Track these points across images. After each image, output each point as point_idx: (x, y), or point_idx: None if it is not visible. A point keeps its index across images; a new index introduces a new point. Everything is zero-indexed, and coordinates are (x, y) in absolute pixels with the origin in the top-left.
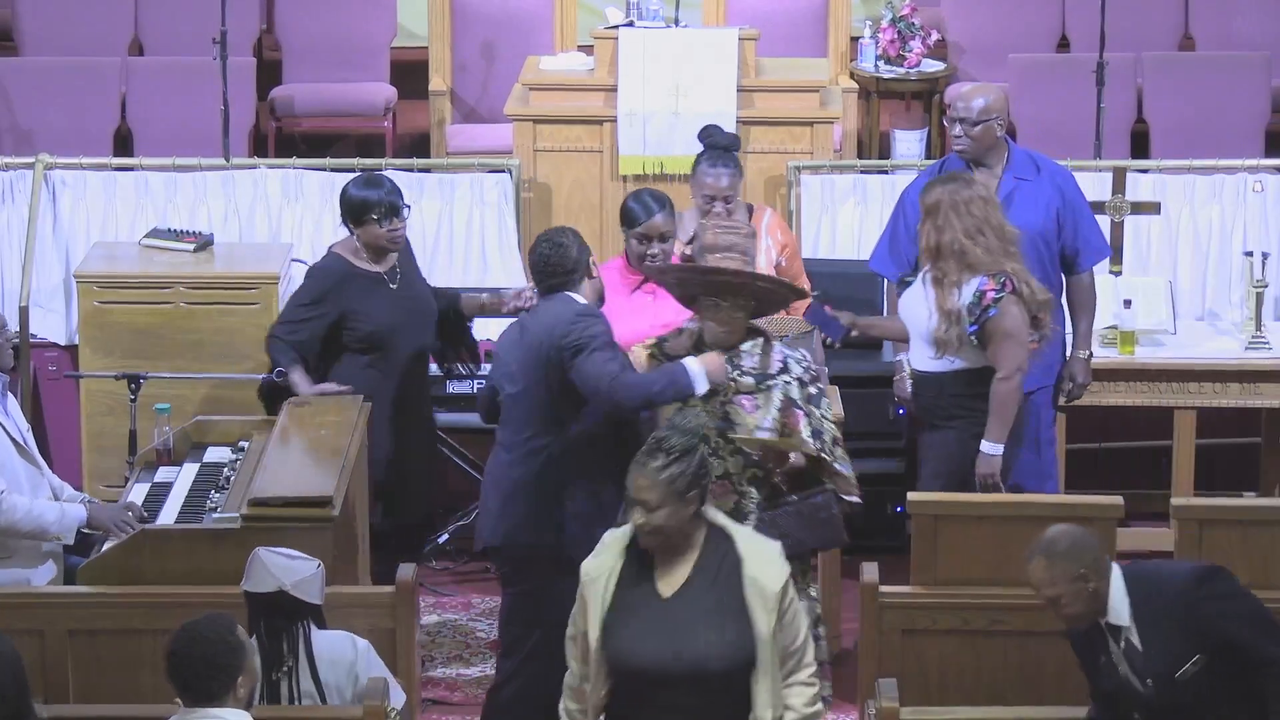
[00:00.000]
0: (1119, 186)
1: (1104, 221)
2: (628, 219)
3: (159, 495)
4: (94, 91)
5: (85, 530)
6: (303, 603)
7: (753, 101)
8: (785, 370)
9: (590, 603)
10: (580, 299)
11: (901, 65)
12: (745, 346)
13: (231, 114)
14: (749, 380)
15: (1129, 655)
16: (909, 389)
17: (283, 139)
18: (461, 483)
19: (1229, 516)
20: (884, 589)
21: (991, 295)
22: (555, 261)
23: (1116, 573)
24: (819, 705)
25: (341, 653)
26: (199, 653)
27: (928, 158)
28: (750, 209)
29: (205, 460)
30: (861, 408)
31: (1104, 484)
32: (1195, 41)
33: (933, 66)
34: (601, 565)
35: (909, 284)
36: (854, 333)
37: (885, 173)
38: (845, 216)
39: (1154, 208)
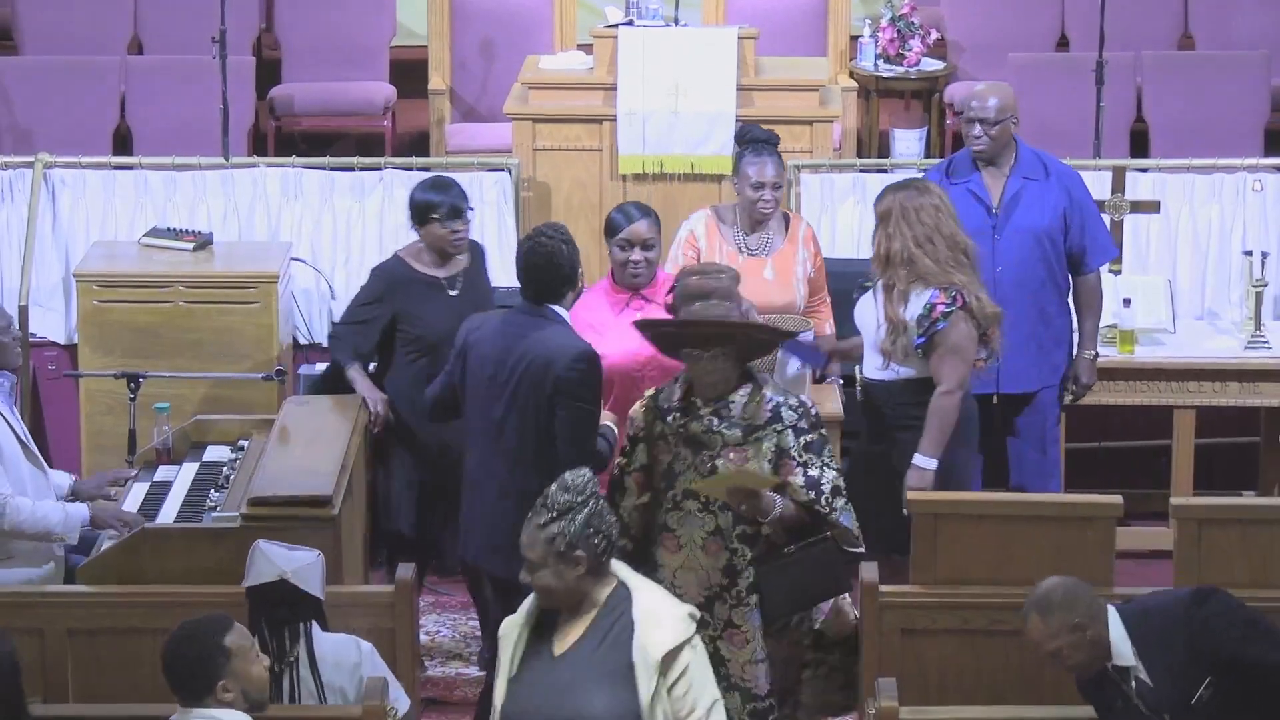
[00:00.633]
0: (1118, 186)
1: (1104, 220)
2: (609, 228)
3: (159, 494)
4: (93, 90)
5: (87, 528)
6: (304, 593)
7: (752, 100)
8: (776, 419)
9: (501, 660)
10: (569, 325)
11: (901, 64)
12: (734, 396)
13: (231, 113)
14: (736, 433)
15: (1141, 694)
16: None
17: (282, 138)
18: None
19: (1228, 516)
20: (884, 589)
21: (942, 309)
22: (553, 265)
23: (1113, 614)
24: None
25: (346, 655)
26: (181, 652)
27: (927, 157)
28: (787, 218)
29: (205, 459)
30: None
31: (1103, 483)
32: (1195, 40)
33: (932, 65)
34: (513, 623)
35: (867, 289)
36: (832, 363)
37: (885, 172)
38: (845, 215)
39: (1153, 207)
